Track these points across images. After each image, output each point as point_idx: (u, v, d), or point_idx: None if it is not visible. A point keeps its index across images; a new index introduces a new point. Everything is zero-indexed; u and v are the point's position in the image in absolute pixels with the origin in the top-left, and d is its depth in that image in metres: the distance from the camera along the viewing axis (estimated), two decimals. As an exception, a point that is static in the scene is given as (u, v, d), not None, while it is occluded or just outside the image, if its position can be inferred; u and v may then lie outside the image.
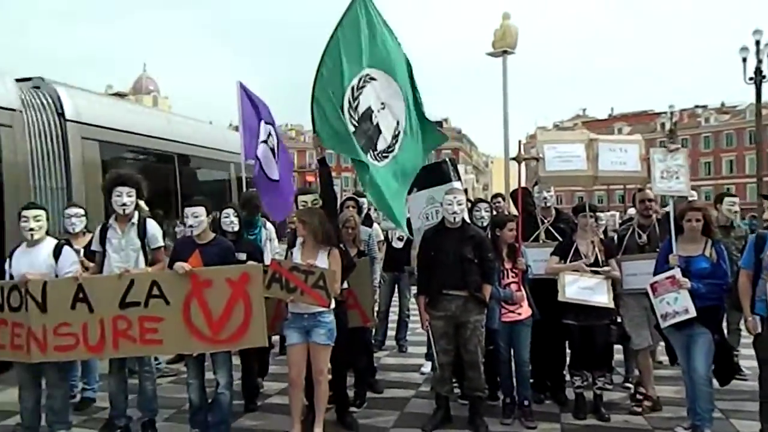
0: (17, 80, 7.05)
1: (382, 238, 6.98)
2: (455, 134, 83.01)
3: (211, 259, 4.44)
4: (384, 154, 5.01)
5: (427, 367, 6.26)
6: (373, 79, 4.92)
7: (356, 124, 4.86)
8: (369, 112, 4.96)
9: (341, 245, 4.85)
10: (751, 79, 20.87)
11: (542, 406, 5.17)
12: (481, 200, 5.99)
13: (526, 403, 4.84)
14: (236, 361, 4.97)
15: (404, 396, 5.56)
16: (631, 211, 6.61)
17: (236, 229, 5.10)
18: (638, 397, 5.14)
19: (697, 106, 73.32)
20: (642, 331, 4.97)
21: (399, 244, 7.07)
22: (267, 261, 4.92)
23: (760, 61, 20.65)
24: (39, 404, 4.54)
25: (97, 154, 7.61)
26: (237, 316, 4.28)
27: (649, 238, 5.10)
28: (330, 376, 4.70)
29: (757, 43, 20.70)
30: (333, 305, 4.40)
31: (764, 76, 20.72)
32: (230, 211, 5.14)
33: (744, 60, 21.13)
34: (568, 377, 5.26)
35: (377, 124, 5.01)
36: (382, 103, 5.00)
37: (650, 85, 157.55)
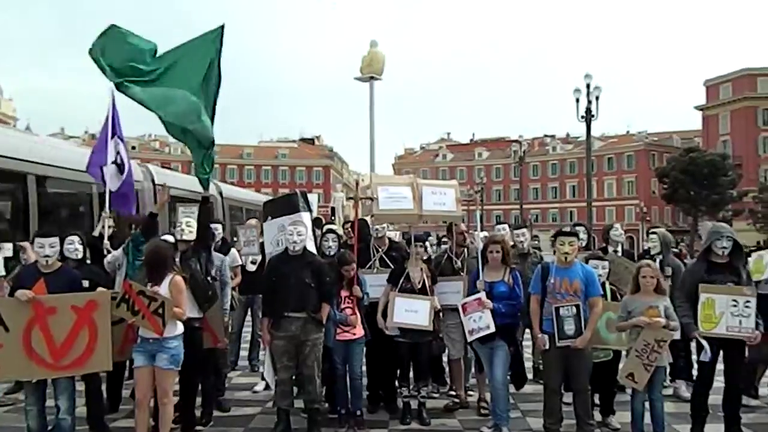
0: None
1: (240, 262, 7.30)
2: (327, 152, 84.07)
3: (56, 288, 4.57)
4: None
5: (260, 386, 6.70)
6: None
7: None
8: None
9: (209, 277, 5.41)
10: (582, 117, 23.75)
11: (375, 415, 5.79)
12: (330, 230, 6.55)
13: (358, 413, 5.42)
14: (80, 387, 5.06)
15: (251, 413, 5.92)
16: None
17: (80, 256, 5.23)
18: (482, 405, 5.85)
19: (546, 136, 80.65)
20: (456, 343, 5.80)
21: (252, 268, 7.39)
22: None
23: (589, 102, 23.60)
24: None
25: None
26: (81, 341, 4.47)
27: (462, 263, 6.00)
28: (178, 398, 5.00)
29: (588, 86, 23.65)
30: (180, 332, 4.70)
31: (593, 115, 23.68)
32: (75, 238, 5.25)
33: (577, 100, 23.95)
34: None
35: None
36: None
37: (510, 113, 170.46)
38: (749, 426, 5.31)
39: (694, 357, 5.49)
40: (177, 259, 5.02)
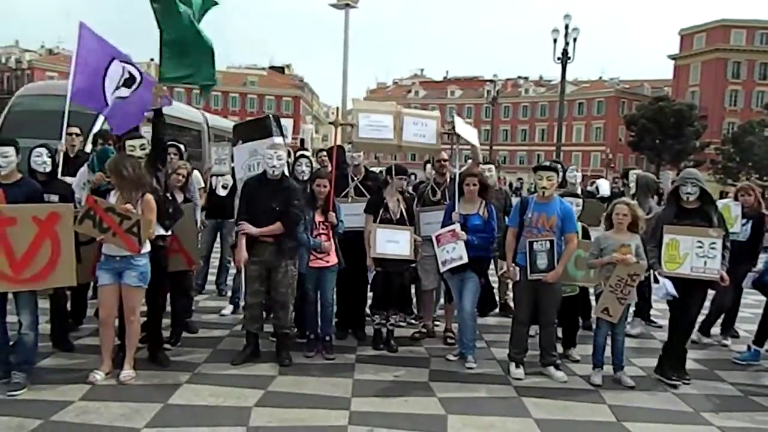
0: None
1: (203, 184, 7.10)
2: (297, 82, 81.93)
3: (15, 200, 4.35)
4: None
5: (227, 310, 6.69)
6: None
7: None
8: None
9: (168, 194, 5.14)
10: (559, 59, 23.45)
11: (344, 341, 5.85)
12: (302, 155, 6.38)
13: (327, 338, 5.45)
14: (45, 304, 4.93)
15: (218, 335, 5.91)
16: (420, 174, 7.67)
17: (48, 169, 4.96)
18: (449, 335, 5.96)
19: (519, 77, 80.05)
20: (429, 275, 5.82)
21: (223, 192, 7.20)
22: None
23: (567, 44, 23.24)
24: None
25: None
26: (43, 255, 4.29)
27: (444, 194, 5.94)
28: (146, 318, 4.93)
29: (566, 27, 23.23)
30: (148, 249, 4.58)
31: (569, 58, 23.38)
32: (42, 150, 4.96)
33: (555, 41, 23.56)
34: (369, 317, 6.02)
35: None
36: None
37: (485, 52, 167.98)
38: (700, 361, 5.56)
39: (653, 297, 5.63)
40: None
